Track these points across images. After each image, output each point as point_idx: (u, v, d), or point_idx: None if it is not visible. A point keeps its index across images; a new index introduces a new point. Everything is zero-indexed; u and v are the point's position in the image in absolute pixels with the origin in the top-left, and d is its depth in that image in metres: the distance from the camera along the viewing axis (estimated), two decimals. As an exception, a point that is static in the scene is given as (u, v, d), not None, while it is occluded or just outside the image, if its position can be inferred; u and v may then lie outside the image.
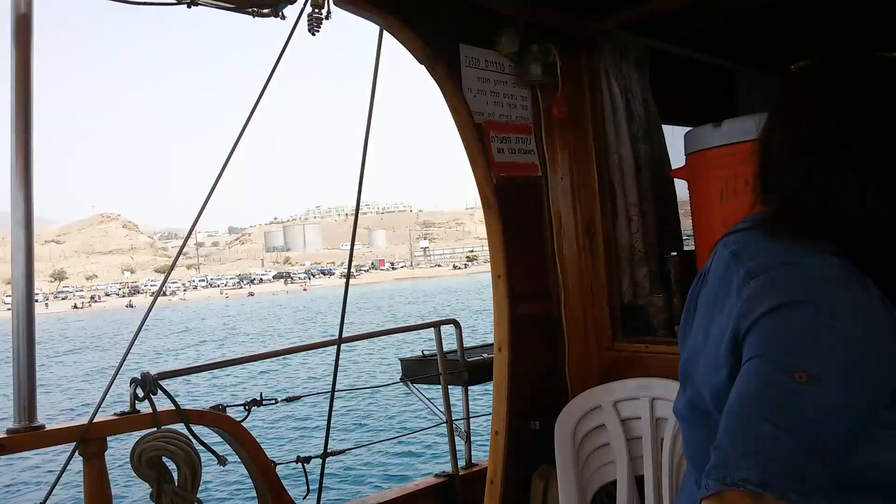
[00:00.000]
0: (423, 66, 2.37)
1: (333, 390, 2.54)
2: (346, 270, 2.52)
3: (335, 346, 2.52)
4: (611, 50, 2.64)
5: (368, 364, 19.87)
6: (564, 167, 2.62)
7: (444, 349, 3.46)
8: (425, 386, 4.00)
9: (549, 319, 2.66)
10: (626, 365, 2.51)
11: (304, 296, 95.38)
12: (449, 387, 3.45)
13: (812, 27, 3.14)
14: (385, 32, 2.32)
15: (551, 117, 2.62)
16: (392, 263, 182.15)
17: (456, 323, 3.53)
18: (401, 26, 2.27)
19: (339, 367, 2.52)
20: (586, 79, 2.56)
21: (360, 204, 2.52)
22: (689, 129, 3.56)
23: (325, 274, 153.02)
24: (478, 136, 2.42)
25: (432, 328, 3.39)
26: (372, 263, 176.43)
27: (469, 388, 3.58)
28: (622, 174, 2.62)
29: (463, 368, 3.54)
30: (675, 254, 2.77)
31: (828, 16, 2.97)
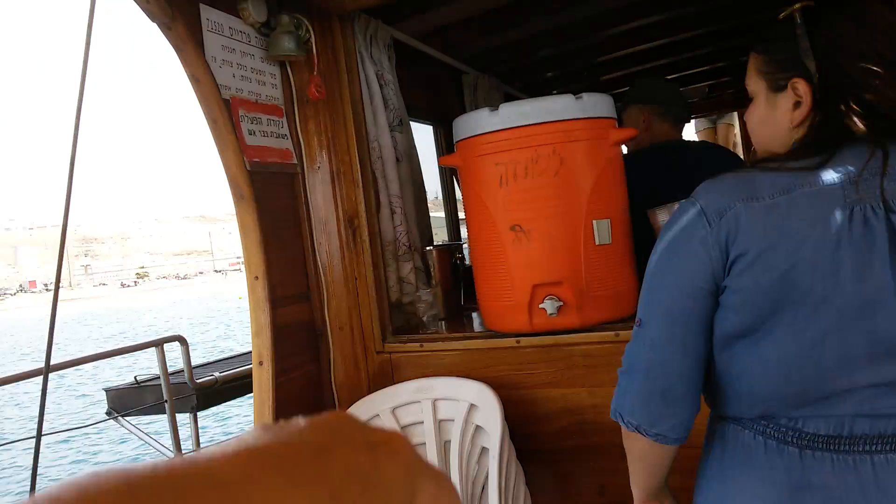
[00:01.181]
0: (154, 25, 1.92)
1: (40, 434, 1.94)
2: None
3: (40, 377, 1.93)
4: (362, 31, 2.44)
5: (58, 402, 14.72)
6: (322, 155, 2.35)
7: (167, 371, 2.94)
8: (143, 419, 3.38)
9: (311, 324, 2.37)
10: (400, 367, 2.33)
11: None
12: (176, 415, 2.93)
13: (521, 37, 3.40)
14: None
15: (305, 99, 2.33)
16: (45, 285, 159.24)
17: (182, 340, 3.02)
18: (125, -28, 1.81)
19: (45, 406, 1.93)
20: (342, 58, 2.33)
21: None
22: (426, 123, 3.53)
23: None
24: (227, 112, 2.05)
25: (154, 348, 2.84)
26: (21, 286, 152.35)
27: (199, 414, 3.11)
28: (383, 163, 2.45)
29: (192, 391, 3.05)
30: (430, 248, 2.68)
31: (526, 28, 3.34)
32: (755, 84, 1.14)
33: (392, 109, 2.53)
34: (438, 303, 2.49)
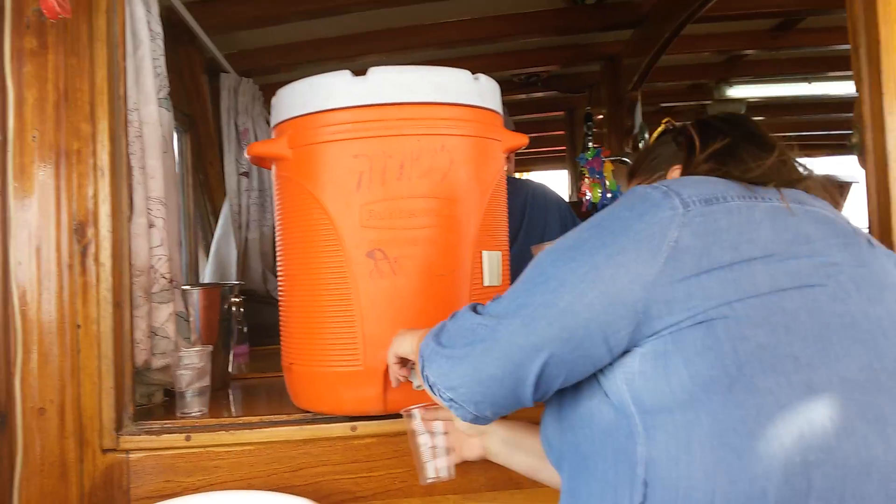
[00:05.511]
0: None
1: None
2: None
3: None
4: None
5: None
6: (43, 116, 1.41)
7: None
8: None
9: (-15, 404, 1.35)
10: (143, 477, 1.41)
11: None
12: None
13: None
14: None
15: (26, 21, 1.40)
16: None
17: None
18: None
19: None
20: (97, -29, 1.46)
21: None
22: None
23: None
24: None
25: None
26: None
27: None
28: (143, 148, 1.57)
29: None
30: (190, 287, 1.82)
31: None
32: None
33: (160, 75, 1.69)
34: (209, 370, 1.62)
